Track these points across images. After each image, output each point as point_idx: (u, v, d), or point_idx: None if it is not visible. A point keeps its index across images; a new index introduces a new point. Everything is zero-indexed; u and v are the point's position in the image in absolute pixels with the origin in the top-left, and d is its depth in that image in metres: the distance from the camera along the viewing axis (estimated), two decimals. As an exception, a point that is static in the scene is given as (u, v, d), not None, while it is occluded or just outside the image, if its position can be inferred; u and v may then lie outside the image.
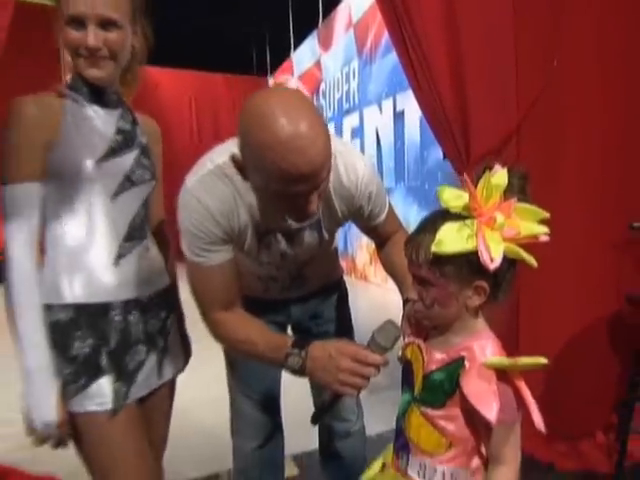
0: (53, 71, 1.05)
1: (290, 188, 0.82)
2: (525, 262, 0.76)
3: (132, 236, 1.04)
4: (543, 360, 0.72)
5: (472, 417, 0.75)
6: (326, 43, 6.79)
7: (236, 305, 1.06)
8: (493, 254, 0.72)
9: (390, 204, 1.19)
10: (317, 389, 1.33)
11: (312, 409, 1.11)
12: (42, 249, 0.99)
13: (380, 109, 5.43)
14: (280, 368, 1.00)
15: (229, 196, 0.98)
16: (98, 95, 1.02)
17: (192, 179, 0.99)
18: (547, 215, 0.77)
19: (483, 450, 0.79)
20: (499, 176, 0.75)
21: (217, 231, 0.99)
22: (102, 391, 0.98)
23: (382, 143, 5.51)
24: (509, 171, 0.77)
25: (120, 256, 1.02)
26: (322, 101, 7.14)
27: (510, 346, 2.01)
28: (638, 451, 1.92)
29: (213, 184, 0.98)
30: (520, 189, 0.78)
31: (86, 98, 1.01)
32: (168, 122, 8.04)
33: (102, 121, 1.02)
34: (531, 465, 1.95)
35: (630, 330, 1.86)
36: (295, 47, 7.92)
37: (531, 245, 2.08)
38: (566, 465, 1.93)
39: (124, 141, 1.04)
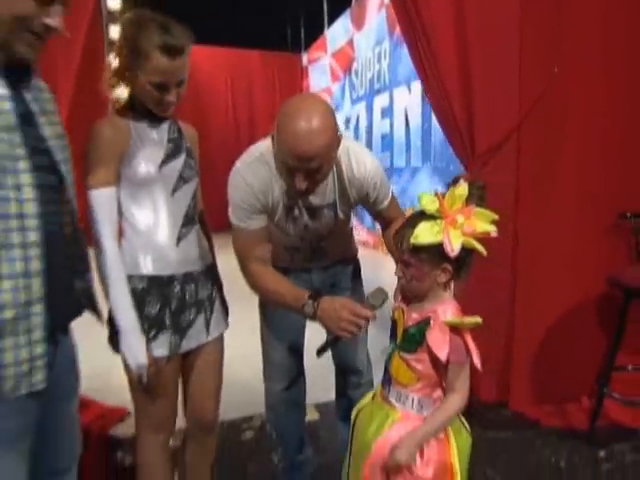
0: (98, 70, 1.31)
1: (287, 161, 1.18)
2: (478, 251, 1.03)
3: (187, 223, 1.35)
4: (479, 320, 1.01)
5: (435, 359, 1.05)
6: (359, 22, 6.90)
7: (268, 263, 1.39)
8: (453, 245, 1.01)
9: (393, 195, 1.49)
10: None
11: (331, 366, 1.54)
12: (120, 233, 1.31)
13: (409, 90, 5.58)
14: (298, 313, 1.32)
15: (267, 178, 1.32)
16: (154, 116, 1.30)
17: (241, 164, 1.33)
18: (496, 217, 1.04)
19: (444, 385, 1.09)
20: (461, 189, 1.03)
21: (257, 204, 1.33)
22: (164, 342, 1.30)
23: (410, 124, 5.68)
24: (470, 184, 1.04)
25: (180, 239, 1.32)
26: (354, 79, 7.29)
27: (507, 321, 2.28)
28: (614, 413, 2.19)
29: (256, 169, 1.32)
30: (479, 198, 1.05)
31: (147, 121, 1.29)
32: (205, 99, 8.31)
33: (157, 134, 1.31)
34: (520, 421, 2.26)
35: (611, 308, 2.10)
36: (329, 25, 8.04)
37: (531, 232, 2.35)
38: (550, 422, 2.22)
39: (175, 148, 1.33)
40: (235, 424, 2.26)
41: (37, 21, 0.90)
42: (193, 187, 1.37)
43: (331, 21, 7.90)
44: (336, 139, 1.21)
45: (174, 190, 1.31)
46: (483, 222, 1.04)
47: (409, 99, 5.62)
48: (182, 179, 1.33)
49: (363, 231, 6.69)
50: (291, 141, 1.14)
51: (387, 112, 6.24)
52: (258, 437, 2.19)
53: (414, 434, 1.06)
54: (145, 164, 1.26)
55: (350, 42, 7.28)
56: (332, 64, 8.10)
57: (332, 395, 1.80)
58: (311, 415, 2.26)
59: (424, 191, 1.47)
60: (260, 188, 1.31)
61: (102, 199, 1.21)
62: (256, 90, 9.01)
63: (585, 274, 2.18)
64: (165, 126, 1.32)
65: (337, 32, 7.75)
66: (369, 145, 6.80)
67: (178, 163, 1.32)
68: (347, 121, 7.62)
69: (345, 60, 7.55)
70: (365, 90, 6.92)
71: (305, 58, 9.25)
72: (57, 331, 1.05)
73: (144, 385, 1.28)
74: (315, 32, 8.47)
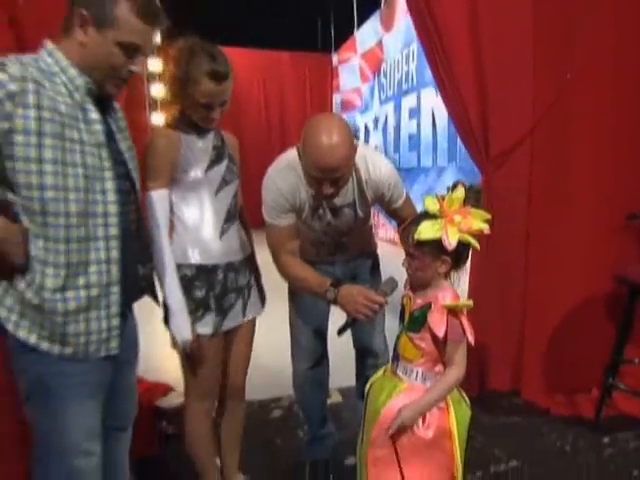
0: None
1: (314, 173, 1.39)
2: (473, 247, 1.21)
3: (229, 219, 1.56)
4: (470, 303, 1.19)
5: (435, 337, 1.23)
6: (388, 24, 7.03)
7: (296, 255, 1.60)
8: (450, 241, 1.18)
9: (407, 195, 1.67)
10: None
11: (352, 352, 1.79)
12: (171, 228, 1.53)
13: (436, 91, 5.67)
14: (321, 298, 1.53)
15: (294, 183, 1.53)
16: (201, 128, 1.51)
17: (272, 171, 1.55)
18: (489, 217, 1.21)
19: (444, 360, 1.26)
20: (459, 193, 1.20)
21: (286, 204, 1.54)
22: (209, 321, 1.52)
23: (437, 124, 5.80)
24: (467, 189, 1.21)
25: (222, 233, 1.54)
26: (383, 80, 7.43)
27: (519, 316, 2.40)
28: (621, 404, 2.32)
29: (285, 175, 1.53)
30: (475, 200, 1.22)
31: (194, 132, 1.50)
32: (238, 99, 8.58)
33: (203, 143, 1.51)
34: (530, 409, 2.40)
35: (619, 304, 2.22)
36: (358, 26, 8.19)
37: (543, 231, 2.48)
38: (559, 411, 2.35)
39: (218, 154, 1.54)
40: (265, 404, 2.48)
41: (125, 69, 1.14)
42: (234, 188, 1.58)
43: (360, 22, 8.04)
44: (353, 150, 1.40)
45: (217, 191, 1.53)
46: (478, 221, 1.20)
47: (436, 100, 5.72)
48: (224, 181, 1.54)
49: (390, 230, 6.84)
50: (316, 156, 1.36)
51: (414, 112, 6.36)
52: (285, 415, 2.40)
53: (419, 401, 1.24)
54: (193, 169, 1.47)
55: (379, 43, 7.42)
56: (362, 65, 8.25)
57: (353, 381, 1.99)
58: (334, 398, 2.46)
59: None
60: (289, 191, 1.52)
61: (158, 199, 1.43)
62: (287, 90, 9.22)
63: (595, 271, 2.31)
64: (210, 136, 1.53)
65: (367, 33, 7.89)
66: (397, 145, 6.94)
67: (221, 168, 1.53)
68: (376, 121, 7.77)
69: (374, 61, 7.69)
70: (393, 91, 7.05)
71: (335, 58, 9.41)
72: (126, 309, 1.28)
73: (189, 357, 1.50)
74: (345, 32, 8.62)
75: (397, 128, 6.95)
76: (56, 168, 1.07)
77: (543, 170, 2.29)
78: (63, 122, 1.07)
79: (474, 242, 1.20)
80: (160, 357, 2.25)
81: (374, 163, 1.55)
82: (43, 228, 1.08)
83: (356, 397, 2.01)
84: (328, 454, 1.98)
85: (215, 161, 1.52)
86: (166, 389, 2.32)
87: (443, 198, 1.21)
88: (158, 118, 5.73)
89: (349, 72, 8.86)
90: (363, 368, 1.92)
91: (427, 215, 1.23)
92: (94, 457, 1.24)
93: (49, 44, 1.13)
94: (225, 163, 1.55)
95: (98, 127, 1.15)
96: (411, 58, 6.35)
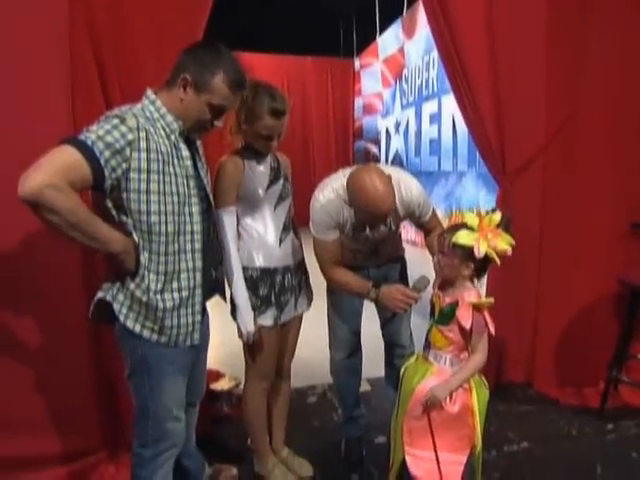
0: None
1: (368, 220, 1.72)
2: (494, 262, 1.48)
3: (285, 229, 1.84)
4: (492, 300, 1.45)
5: (462, 329, 1.49)
6: (409, 31, 7.25)
7: (340, 265, 1.88)
8: (480, 250, 1.44)
9: (434, 209, 1.94)
10: (382, 310, 2.09)
11: (379, 347, 2.06)
12: (238, 237, 1.79)
13: (457, 99, 5.90)
14: (363, 298, 1.83)
15: (338, 205, 1.79)
16: (260, 154, 1.78)
17: (321, 196, 1.80)
18: (514, 242, 1.47)
19: (469, 349, 1.53)
20: (495, 216, 1.47)
21: (331, 222, 1.80)
22: (270, 315, 1.81)
23: (458, 130, 6.01)
24: (502, 215, 1.48)
25: (281, 241, 1.82)
26: (404, 86, 7.66)
27: (532, 315, 2.64)
28: (626, 396, 2.55)
29: (331, 199, 1.79)
30: (505, 226, 1.48)
31: (255, 158, 1.77)
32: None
33: (263, 167, 1.79)
34: (542, 399, 2.65)
35: (625, 305, 2.45)
36: (380, 32, 8.42)
37: (555, 238, 2.74)
38: (568, 401, 2.60)
39: (275, 175, 1.82)
40: (302, 391, 2.77)
41: (208, 123, 1.43)
42: (289, 203, 1.86)
43: (383, 29, 8.27)
44: (394, 194, 1.67)
45: (276, 206, 1.82)
46: (504, 243, 1.47)
47: (456, 107, 5.91)
48: (281, 198, 1.82)
49: (411, 232, 7.08)
50: (371, 209, 1.63)
51: (435, 118, 6.57)
52: (320, 401, 2.69)
53: (449, 380, 1.52)
54: (256, 189, 1.76)
55: (401, 50, 7.63)
56: (383, 70, 8.48)
57: (381, 372, 2.27)
58: (364, 387, 2.74)
59: (470, 195, 1.91)
60: (333, 211, 1.79)
61: (227, 216, 1.72)
62: (310, 94, 9.47)
63: (602, 275, 2.54)
64: (268, 159, 1.81)
65: (388, 40, 8.11)
66: (418, 149, 7.17)
67: (278, 187, 1.81)
68: (397, 125, 8.00)
69: (396, 67, 7.90)
70: (414, 96, 7.26)
71: (357, 63, 9.65)
72: (204, 305, 1.57)
73: (251, 345, 1.79)
74: (367, 38, 8.85)
75: (418, 133, 7.16)
76: (159, 197, 1.36)
77: (555, 182, 2.53)
78: (163, 160, 1.36)
79: (497, 258, 1.46)
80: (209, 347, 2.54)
81: (406, 186, 1.82)
82: (148, 243, 1.38)
83: (385, 381, 2.28)
84: (361, 433, 2.26)
85: (273, 181, 1.80)
86: (217, 375, 2.62)
87: (481, 215, 1.47)
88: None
89: (371, 77, 9.10)
90: (392, 358, 2.19)
91: (465, 226, 1.50)
92: (181, 422, 1.54)
93: (151, 94, 1.41)
94: (281, 182, 1.83)
95: (188, 162, 1.44)
96: (432, 65, 6.56)
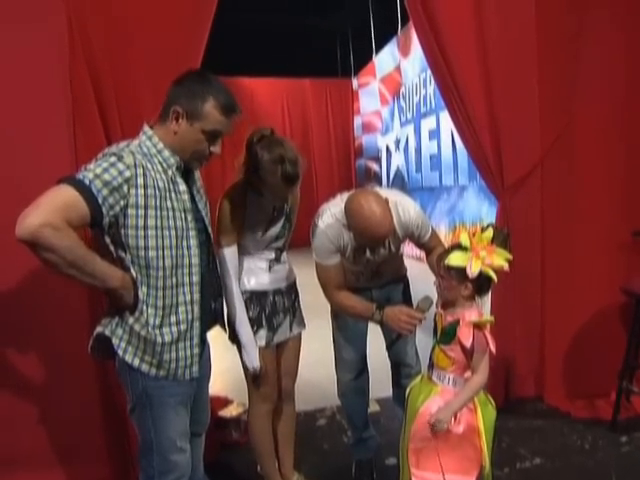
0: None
1: (367, 243, 1.74)
2: (492, 280, 1.49)
3: (277, 259, 1.86)
4: (492, 319, 1.46)
5: (464, 348, 1.50)
6: (405, 50, 7.36)
7: (343, 288, 1.89)
8: (473, 270, 1.46)
9: (433, 230, 1.95)
10: (387, 331, 2.08)
11: (386, 367, 2.06)
12: None
13: (454, 114, 5.95)
14: (367, 321, 1.84)
15: (338, 230, 1.81)
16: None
17: (320, 222, 1.82)
18: (510, 257, 1.49)
19: (471, 368, 1.53)
20: (487, 233, 1.48)
21: (332, 247, 1.83)
22: (262, 336, 1.83)
23: (457, 145, 6.05)
24: (496, 230, 1.49)
25: (271, 268, 1.85)
26: (402, 103, 7.74)
27: (539, 330, 2.62)
28: (639, 406, 2.52)
29: (331, 224, 1.81)
30: (501, 241, 1.50)
31: (259, 195, 1.77)
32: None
33: (266, 204, 1.78)
34: (553, 413, 2.62)
35: (629, 314, 2.44)
36: (377, 51, 8.55)
37: (557, 249, 2.73)
38: (580, 414, 2.57)
39: (278, 214, 1.82)
40: (310, 414, 2.76)
41: (206, 151, 1.45)
42: (284, 239, 1.88)
43: (379, 48, 8.40)
44: (392, 217, 1.69)
45: (269, 244, 1.84)
46: (500, 259, 1.48)
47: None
48: (277, 238, 1.85)
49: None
50: (369, 233, 1.66)
51: (434, 134, 6.63)
52: (330, 423, 2.68)
53: (451, 403, 1.51)
54: (254, 229, 1.78)
55: (397, 68, 7.74)
56: (381, 88, 8.59)
57: (389, 392, 2.26)
58: (373, 407, 2.72)
59: (472, 209, 1.93)
60: (334, 236, 1.82)
61: (229, 255, 1.75)
62: (310, 114, 9.59)
63: (605, 285, 2.54)
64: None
65: (385, 58, 8.23)
66: (418, 165, 7.22)
67: (276, 229, 1.83)
68: (397, 142, 8.07)
69: (393, 85, 8.01)
70: (413, 113, 7.34)
71: (355, 83, 9.78)
72: (204, 337, 1.58)
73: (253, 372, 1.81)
74: (364, 58, 8.99)
75: (418, 149, 7.22)
76: (156, 232, 1.37)
77: (554, 194, 2.54)
78: (161, 195, 1.38)
79: (494, 276, 1.47)
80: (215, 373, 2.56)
81: (404, 208, 1.84)
82: (146, 278, 1.39)
83: (393, 403, 2.28)
84: (371, 455, 2.24)
85: (273, 221, 1.81)
86: (225, 402, 2.62)
87: (474, 234, 1.49)
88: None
89: (369, 96, 9.21)
90: (399, 377, 2.19)
91: (459, 246, 1.51)
92: (186, 453, 1.54)
93: (148, 130, 1.44)
94: (281, 222, 1.84)
95: (186, 197, 1.45)
96: (428, 82, 6.64)
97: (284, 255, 1.92)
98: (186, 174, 1.49)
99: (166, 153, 1.42)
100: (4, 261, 1.82)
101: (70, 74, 1.87)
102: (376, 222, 1.62)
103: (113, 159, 1.31)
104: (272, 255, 1.87)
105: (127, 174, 1.31)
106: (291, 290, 1.94)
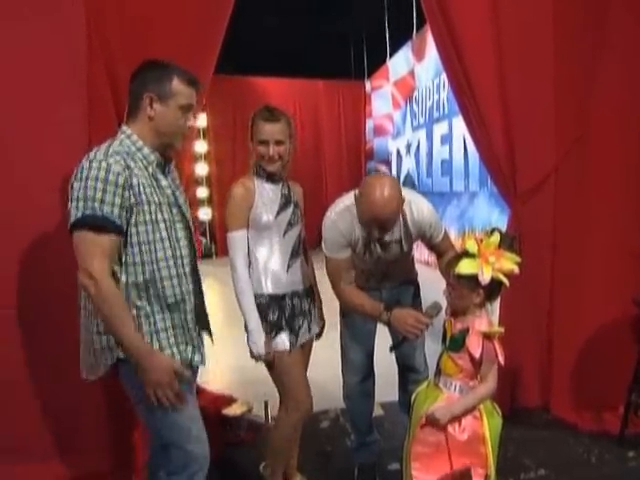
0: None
1: (367, 223, 1.71)
2: (503, 284, 1.47)
3: (294, 255, 1.87)
4: (502, 330, 1.45)
5: (472, 357, 1.49)
6: (419, 54, 7.34)
7: (352, 284, 1.89)
8: (485, 277, 1.45)
9: (446, 232, 1.95)
10: (394, 334, 2.04)
11: (392, 370, 2.04)
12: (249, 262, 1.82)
13: (467, 120, 5.92)
14: (374, 320, 1.84)
15: (350, 222, 1.81)
16: (271, 177, 1.82)
17: (332, 213, 1.83)
18: (519, 260, 1.47)
19: (478, 377, 1.52)
20: (494, 238, 1.47)
21: (343, 241, 1.83)
22: (283, 339, 1.82)
23: (469, 151, 6.03)
24: (502, 235, 1.48)
25: (289, 267, 1.85)
26: (415, 108, 7.72)
27: (546, 338, 2.61)
28: (648, 421, 2.49)
29: (343, 216, 1.82)
30: (509, 245, 1.49)
31: (266, 179, 1.82)
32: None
33: (273, 192, 1.82)
34: (559, 424, 2.59)
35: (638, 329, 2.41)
36: (391, 54, 8.54)
37: (568, 259, 2.70)
38: (587, 426, 2.53)
39: (286, 202, 1.85)
40: (314, 416, 2.69)
41: (185, 126, 1.49)
42: (299, 229, 1.89)
43: (393, 51, 8.39)
44: (401, 202, 1.69)
45: (285, 233, 1.84)
46: (509, 263, 1.47)
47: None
48: (290, 224, 1.85)
49: (426, 253, 7.06)
50: (370, 212, 1.66)
51: (446, 139, 6.60)
52: (333, 425, 2.68)
53: (453, 405, 1.51)
54: (265, 214, 1.79)
55: (411, 72, 7.72)
56: (394, 92, 8.57)
57: (394, 396, 2.26)
58: (377, 411, 2.71)
59: (482, 215, 1.92)
60: (346, 229, 1.82)
61: (238, 238, 1.76)
62: (322, 116, 9.59)
63: (616, 296, 2.50)
64: (279, 185, 1.85)
65: (399, 62, 8.21)
66: (429, 170, 7.20)
67: (287, 213, 1.84)
68: (408, 146, 8.05)
69: (406, 89, 7.99)
70: (425, 118, 7.32)
71: (368, 86, 9.77)
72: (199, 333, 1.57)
73: (278, 372, 1.81)
74: (377, 61, 8.98)
75: (429, 154, 7.20)
76: (148, 227, 1.42)
77: (567, 202, 2.51)
78: (146, 191, 1.41)
79: (505, 280, 1.46)
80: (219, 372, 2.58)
81: (417, 207, 1.84)
82: (140, 267, 1.42)
83: (399, 406, 2.27)
84: (374, 459, 2.23)
85: (283, 207, 1.83)
86: (230, 400, 2.62)
87: (481, 240, 1.48)
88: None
89: (381, 99, 9.20)
90: (406, 382, 2.17)
91: (467, 254, 1.50)
92: (205, 444, 1.51)
93: (127, 129, 1.47)
94: (291, 209, 1.86)
95: (169, 191, 1.49)
96: (442, 87, 6.62)
97: (300, 255, 1.91)
98: (162, 169, 1.51)
99: (146, 150, 1.46)
100: (13, 253, 1.87)
101: (88, 74, 1.89)
102: (382, 201, 1.62)
103: (103, 174, 1.34)
104: (290, 248, 1.85)
105: (121, 181, 1.36)
106: (308, 292, 1.94)
